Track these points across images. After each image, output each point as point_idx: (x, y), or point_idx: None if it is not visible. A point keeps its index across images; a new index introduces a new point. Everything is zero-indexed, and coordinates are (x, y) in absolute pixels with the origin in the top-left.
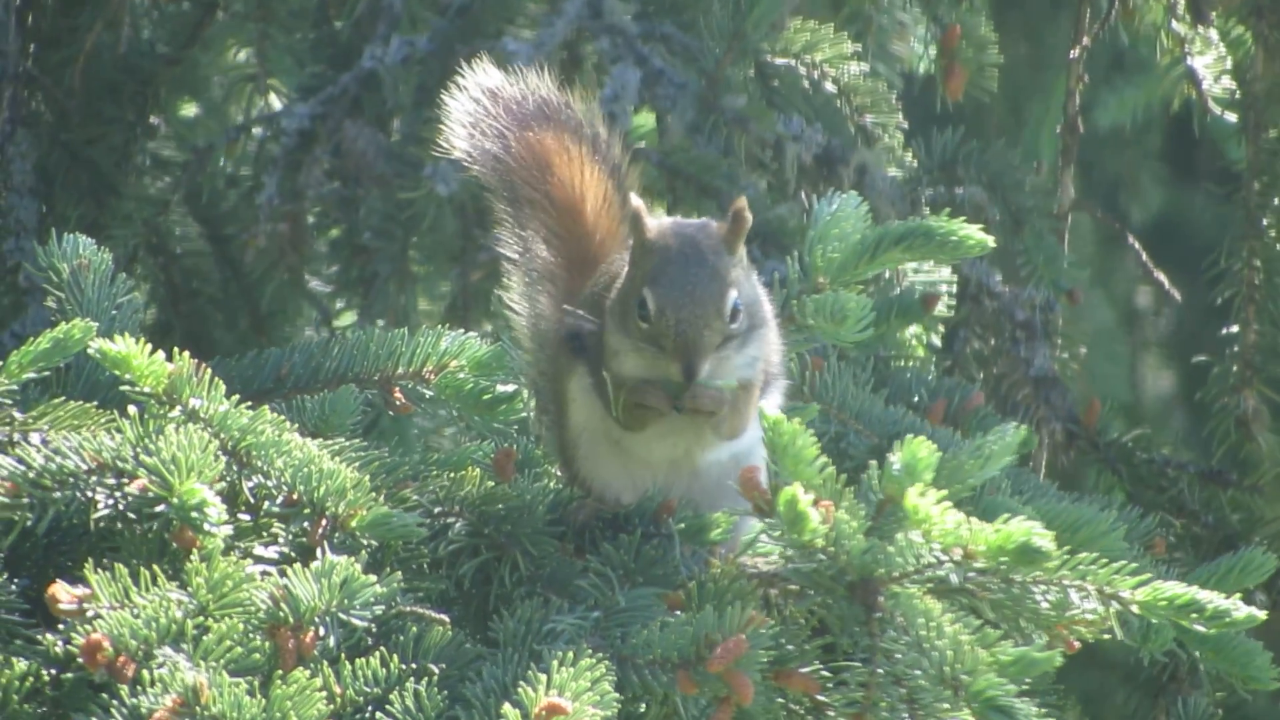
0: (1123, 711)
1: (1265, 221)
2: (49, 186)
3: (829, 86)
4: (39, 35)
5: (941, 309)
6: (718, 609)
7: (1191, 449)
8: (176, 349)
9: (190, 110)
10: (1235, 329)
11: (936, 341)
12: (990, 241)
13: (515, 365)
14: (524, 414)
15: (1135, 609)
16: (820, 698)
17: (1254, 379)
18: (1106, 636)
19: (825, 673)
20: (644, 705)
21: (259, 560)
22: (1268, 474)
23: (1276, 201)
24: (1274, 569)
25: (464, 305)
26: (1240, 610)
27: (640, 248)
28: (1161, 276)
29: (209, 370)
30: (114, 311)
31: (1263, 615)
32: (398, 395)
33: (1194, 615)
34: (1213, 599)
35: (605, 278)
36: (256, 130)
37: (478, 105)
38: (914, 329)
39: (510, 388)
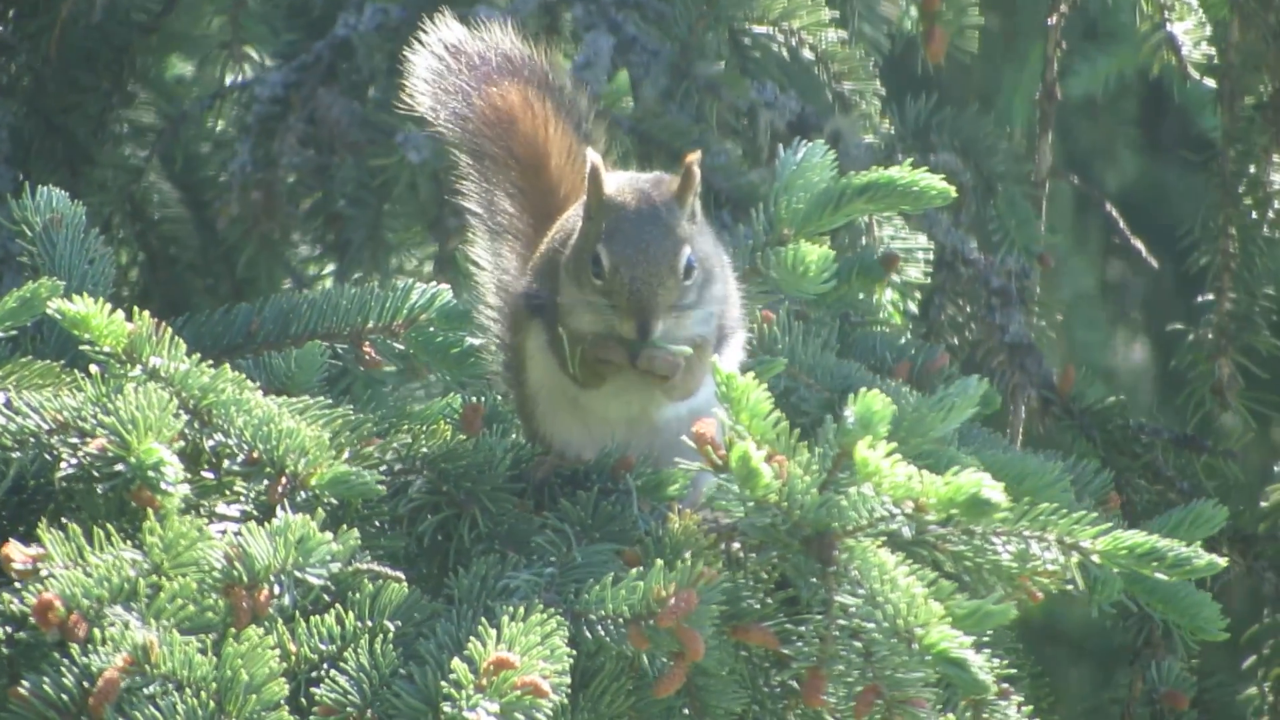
0: (1087, 687)
1: (1240, 189)
2: (25, 154)
3: (806, 54)
4: (15, 3)
5: (918, 275)
6: (669, 564)
7: (1164, 417)
8: (151, 313)
9: (167, 79)
10: (1210, 297)
11: (914, 309)
12: (952, 191)
13: (481, 321)
14: (493, 368)
15: (1096, 558)
16: (782, 651)
17: (1229, 347)
18: (1069, 587)
19: (789, 626)
20: (602, 658)
21: (222, 519)
22: (1241, 440)
23: (1252, 170)
24: (1224, 521)
25: (439, 272)
26: (1200, 557)
27: (595, 203)
28: (1139, 244)
29: (169, 329)
30: (86, 267)
31: (1223, 562)
32: (368, 350)
33: (1155, 564)
34: (1173, 547)
35: (560, 234)
36: (231, 97)
37: (440, 61)
38: (890, 295)
39: (479, 341)
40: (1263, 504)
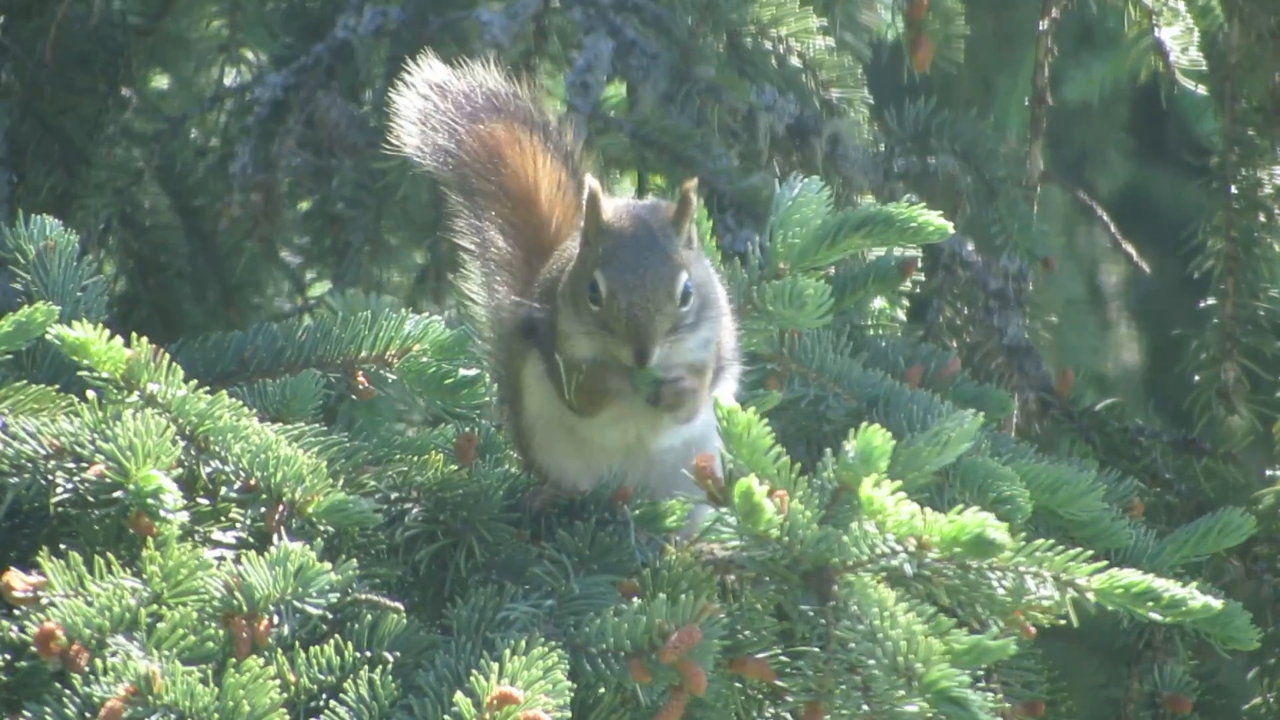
0: (1093, 681)
1: (1234, 190)
2: (21, 157)
3: (795, 61)
4: (10, 6)
5: (906, 284)
6: (671, 598)
7: (1159, 420)
8: (143, 325)
9: (162, 82)
10: (1213, 301)
11: (901, 315)
12: (950, 227)
13: (476, 353)
14: (486, 398)
15: (1091, 596)
16: (777, 683)
17: (1234, 350)
18: (1062, 622)
19: (784, 658)
20: (600, 691)
21: (217, 546)
22: (1241, 442)
23: (1253, 172)
24: (1252, 530)
25: (436, 276)
26: (1196, 599)
27: (593, 230)
28: (1130, 249)
29: (167, 355)
30: (79, 293)
31: (1219, 605)
32: (360, 379)
33: (1150, 603)
34: (1169, 587)
35: (558, 263)
36: (229, 101)
37: (426, 101)
38: (880, 303)
39: (473, 372)
40: (1259, 507)
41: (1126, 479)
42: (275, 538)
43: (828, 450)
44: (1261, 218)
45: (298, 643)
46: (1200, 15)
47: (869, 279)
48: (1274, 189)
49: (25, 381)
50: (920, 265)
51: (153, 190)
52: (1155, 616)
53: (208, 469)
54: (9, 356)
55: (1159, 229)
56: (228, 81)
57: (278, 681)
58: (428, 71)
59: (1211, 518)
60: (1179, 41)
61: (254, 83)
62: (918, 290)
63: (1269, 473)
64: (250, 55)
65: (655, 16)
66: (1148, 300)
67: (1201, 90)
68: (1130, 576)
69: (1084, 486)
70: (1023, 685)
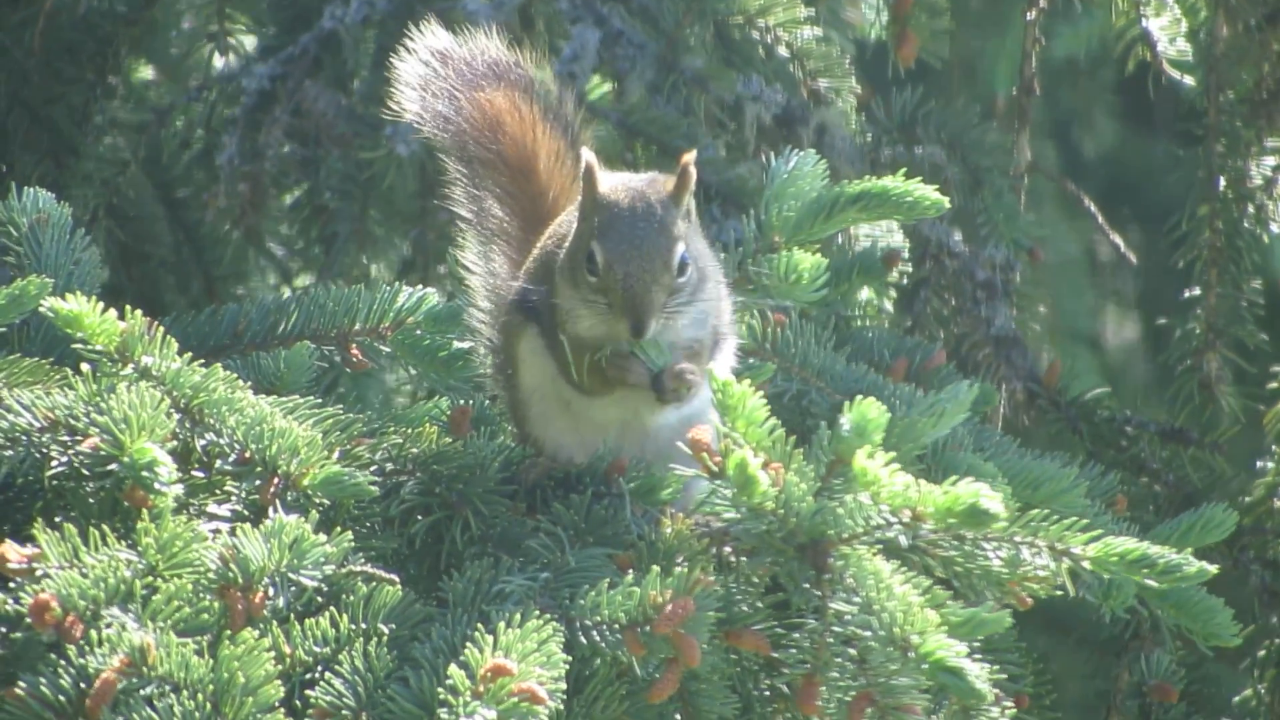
0: (1081, 673)
1: (1223, 182)
2: (8, 146)
3: (782, 51)
4: None
5: (895, 274)
6: (666, 570)
7: (1155, 398)
8: (129, 309)
9: (149, 72)
10: (1197, 291)
11: (889, 306)
12: (945, 202)
13: (471, 324)
14: (481, 371)
15: (1087, 565)
16: (773, 655)
17: (1216, 341)
18: (1059, 593)
19: (780, 630)
20: (597, 663)
21: (212, 518)
22: (1228, 433)
23: (1240, 164)
24: (1234, 526)
25: (422, 266)
26: (1191, 565)
27: (589, 202)
28: (1118, 239)
29: (161, 328)
30: (72, 267)
31: (1213, 569)
32: (355, 351)
33: (1145, 570)
34: (1164, 554)
35: (554, 237)
36: (216, 91)
37: (427, 67)
38: (868, 294)
39: (467, 344)
40: (1247, 499)
41: (1110, 473)
42: (271, 510)
43: (823, 424)
44: (1250, 209)
45: (293, 615)
46: (1189, 13)
47: (854, 271)
48: (1261, 180)
49: (19, 355)
50: (907, 256)
51: (138, 180)
52: (1151, 583)
53: (202, 442)
54: (2, 330)
55: (1149, 197)
56: (214, 72)
57: (273, 653)
58: (429, 38)
59: (1194, 514)
60: (1167, 32)
61: (241, 73)
62: (904, 281)
63: (1259, 464)
64: (237, 45)
65: (642, 6)
66: (1146, 266)
67: (1189, 81)
68: (1125, 544)
69: (1066, 483)
70: (1009, 679)
